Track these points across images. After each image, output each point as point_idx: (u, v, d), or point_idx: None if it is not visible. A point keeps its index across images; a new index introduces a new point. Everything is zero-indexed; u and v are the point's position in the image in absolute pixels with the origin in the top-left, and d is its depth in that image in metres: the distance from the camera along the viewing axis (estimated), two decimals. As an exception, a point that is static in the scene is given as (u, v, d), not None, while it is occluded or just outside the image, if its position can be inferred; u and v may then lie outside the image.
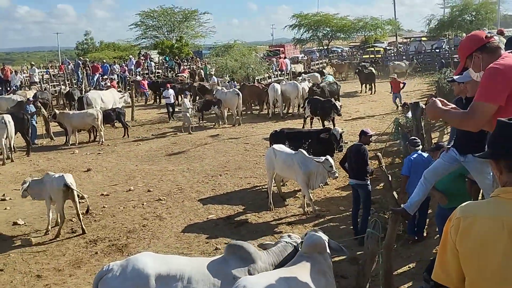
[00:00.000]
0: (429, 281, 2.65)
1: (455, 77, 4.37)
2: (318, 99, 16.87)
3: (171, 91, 20.59)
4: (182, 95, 21.18)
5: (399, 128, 12.15)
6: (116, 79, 28.58)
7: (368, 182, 8.19)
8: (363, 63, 32.47)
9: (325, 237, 4.80)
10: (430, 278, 2.58)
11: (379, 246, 5.28)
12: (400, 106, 18.79)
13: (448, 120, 3.11)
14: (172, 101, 20.69)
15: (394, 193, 8.17)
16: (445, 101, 3.40)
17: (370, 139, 8.61)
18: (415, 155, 7.49)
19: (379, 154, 8.12)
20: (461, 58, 3.50)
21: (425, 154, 7.52)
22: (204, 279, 4.46)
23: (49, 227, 9.20)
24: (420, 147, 7.75)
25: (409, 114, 11.30)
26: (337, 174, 9.20)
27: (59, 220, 9.16)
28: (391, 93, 21.30)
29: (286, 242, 5.04)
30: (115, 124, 18.65)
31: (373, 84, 25.93)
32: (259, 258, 4.76)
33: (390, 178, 8.01)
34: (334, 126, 14.34)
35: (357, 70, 27.74)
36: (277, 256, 4.89)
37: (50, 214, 9.24)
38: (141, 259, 4.60)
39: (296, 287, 4.04)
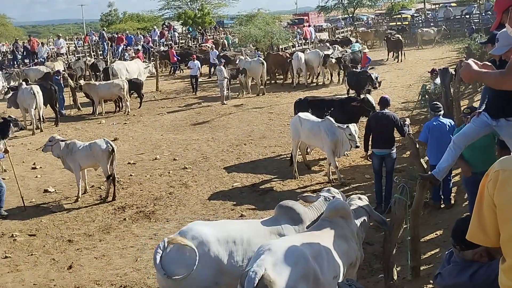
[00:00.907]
0: (455, 245, 2.60)
1: (491, 52, 4.19)
2: (354, 71, 16.33)
3: (196, 62, 20.20)
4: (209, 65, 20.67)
5: (426, 95, 11.91)
6: (140, 50, 28.60)
7: (395, 150, 8.11)
8: (389, 31, 31.72)
9: (364, 204, 4.95)
10: (457, 243, 2.54)
11: (406, 213, 5.23)
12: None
13: (485, 81, 3.00)
14: (197, 73, 20.30)
15: (422, 160, 8.07)
16: (479, 62, 3.28)
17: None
18: (434, 121, 7.38)
19: (407, 120, 7.98)
20: (497, 13, 3.34)
21: (446, 120, 7.39)
22: (261, 241, 4.40)
23: (80, 194, 9.42)
24: (442, 112, 7.54)
25: (438, 81, 11.04)
26: (358, 144, 9.00)
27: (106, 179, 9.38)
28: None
29: (325, 197, 5.17)
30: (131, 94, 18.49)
31: (400, 52, 25.33)
32: (308, 217, 4.86)
33: (417, 146, 7.89)
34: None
35: (385, 38, 27.08)
36: (318, 211, 4.99)
37: (80, 182, 9.44)
38: (196, 228, 4.50)
39: (317, 251, 4.07)
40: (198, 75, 20.70)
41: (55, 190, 10.04)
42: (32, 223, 8.49)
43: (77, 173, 9.36)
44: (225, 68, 18.28)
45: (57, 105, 16.19)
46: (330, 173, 9.61)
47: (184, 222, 8.16)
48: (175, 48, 27.80)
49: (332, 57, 19.39)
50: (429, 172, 5.42)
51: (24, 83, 15.45)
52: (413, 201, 5.28)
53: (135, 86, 17.91)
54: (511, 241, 1.88)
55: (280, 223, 4.75)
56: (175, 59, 25.18)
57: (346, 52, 21.32)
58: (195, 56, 21.05)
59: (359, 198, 5.16)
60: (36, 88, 14.86)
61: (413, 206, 5.25)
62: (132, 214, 8.67)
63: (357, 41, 26.91)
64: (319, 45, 25.74)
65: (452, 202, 7.53)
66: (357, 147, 9.09)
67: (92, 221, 8.51)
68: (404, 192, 5.13)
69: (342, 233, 4.44)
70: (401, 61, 25.05)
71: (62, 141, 9.46)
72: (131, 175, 10.75)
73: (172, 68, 25.98)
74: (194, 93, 19.97)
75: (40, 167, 11.54)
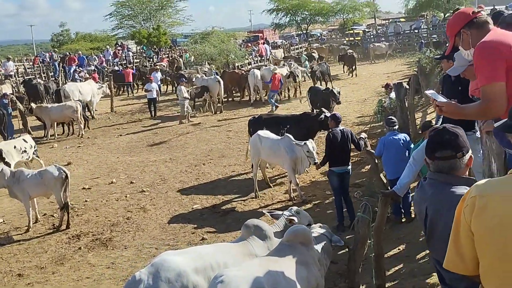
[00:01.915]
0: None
1: (448, 71, 4.24)
2: (317, 88, 16.10)
3: (154, 85, 19.10)
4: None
5: (382, 110, 12.09)
6: (94, 70, 27.97)
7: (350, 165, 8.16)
8: (342, 46, 32.36)
9: (325, 230, 5.02)
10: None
11: (369, 230, 5.19)
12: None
13: (469, 116, 3.00)
14: (155, 95, 19.11)
15: (381, 175, 8.12)
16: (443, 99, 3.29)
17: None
18: (388, 136, 7.59)
19: (364, 135, 8.03)
20: (450, 37, 3.39)
21: (401, 135, 7.59)
22: (236, 262, 4.38)
23: (31, 224, 8.95)
24: (396, 126, 7.77)
25: (393, 95, 11.22)
26: (317, 160, 8.87)
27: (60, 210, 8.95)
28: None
29: (286, 216, 5.28)
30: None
31: (354, 67, 25.86)
32: (272, 233, 4.94)
33: (376, 161, 7.96)
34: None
35: (340, 55, 27.60)
36: (280, 230, 5.06)
37: (31, 211, 8.97)
38: (169, 259, 4.32)
39: (275, 279, 3.93)
40: (157, 98, 19.82)
41: (3, 221, 9.50)
42: (-22, 258, 7.96)
43: (26, 202, 8.86)
44: (185, 88, 17.92)
45: (6, 130, 15.49)
46: (291, 191, 9.53)
47: (143, 249, 7.88)
48: (130, 67, 27.28)
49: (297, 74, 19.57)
50: (390, 188, 5.43)
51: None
52: (376, 218, 5.25)
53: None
54: (490, 270, 1.80)
55: (250, 243, 4.76)
56: (131, 79, 24.63)
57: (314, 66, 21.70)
58: (152, 78, 19.98)
59: (320, 227, 5.20)
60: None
61: (376, 223, 5.21)
62: (87, 243, 8.27)
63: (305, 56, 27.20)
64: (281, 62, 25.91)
65: (413, 215, 7.57)
66: (315, 163, 8.96)
67: (45, 252, 8.06)
68: (366, 210, 5.09)
69: (302, 259, 4.33)
70: (355, 75, 25.56)
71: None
72: (86, 200, 10.33)
73: (128, 88, 25.26)
74: (153, 117, 18.84)
75: (-13, 197, 10.94)
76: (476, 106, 3.04)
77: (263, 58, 29.56)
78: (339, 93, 14.77)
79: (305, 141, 8.93)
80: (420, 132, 7.06)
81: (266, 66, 22.96)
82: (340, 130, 8.06)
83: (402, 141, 7.47)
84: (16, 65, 29.04)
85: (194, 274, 4.25)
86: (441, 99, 3.15)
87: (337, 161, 7.99)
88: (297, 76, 19.87)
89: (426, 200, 2.68)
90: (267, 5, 56.77)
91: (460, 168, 2.63)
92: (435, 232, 2.66)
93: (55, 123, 16.74)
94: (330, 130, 8.14)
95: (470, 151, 2.65)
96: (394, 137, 7.53)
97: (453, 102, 3.17)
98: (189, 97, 17.79)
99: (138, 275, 4.22)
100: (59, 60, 29.99)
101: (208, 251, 4.62)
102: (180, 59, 30.80)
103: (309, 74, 21.56)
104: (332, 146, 7.97)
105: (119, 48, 37.69)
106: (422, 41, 30.13)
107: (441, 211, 2.57)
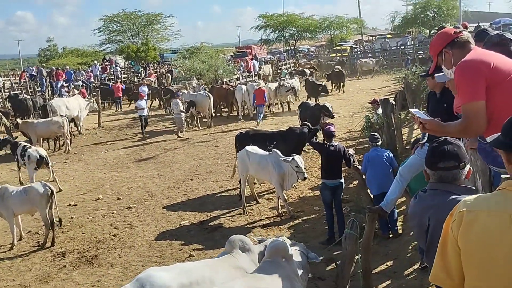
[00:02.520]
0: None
1: (436, 76, 4.30)
2: (307, 104, 15.83)
3: (143, 102, 18.60)
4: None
5: (369, 125, 12.17)
6: (82, 85, 27.86)
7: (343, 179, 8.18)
8: (329, 62, 32.63)
9: (300, 247, 5.01)
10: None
11: (357, 246, 5.18)
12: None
13: (450, 134, 3.05)
14: (146, 113, 18.50)
15: (368, 191, 8.14)
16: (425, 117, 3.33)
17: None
18: (372, 152, 7.76)
19: (351, 151, 8.07)
20: (433, 56, 3.45)
21: (383, 150, 7.75)
22: (223, 277, 4.41)
23: (15, 242, 8.79)
24: (379, 142, 7.96)
25: (380, 111, 11.31)
26: (306, 175, 8.96)
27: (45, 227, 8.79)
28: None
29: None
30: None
31: (342, 83, 25.96)
32: (254, 247, 5.01)
33: (364, 176, 7.98)
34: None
35: (328, 73, 27.75)
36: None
37: (15, 228, 8.83)
38: (155, 275, 4.31)
39: None
40: (148, 115, 19.39)
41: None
42: (-40, 277, 7.79)
43: (10, 220, 8.70)
44: (181, 102, 17.82)
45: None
46: (279, 207, 9.51)
47: (129, 266, 7.77)
48: (119, 82, 27.23)
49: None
50: (377, 205, 5.44)
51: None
52: (363, 235, 5.25)
53: None
54: (476, 285, 1.80)
55: (234, 256, 4.79)
56: (119, 94, 24.64)
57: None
58: (143, 95, 19.61)
59: (294, 244, 5.26)
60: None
61: (363, 239, 5.21)
62: (73, 260, 8.15)
63: (291, 72, 27.53)
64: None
65: (400, 231, 7.59)
66: (305, 178, 9.00)
67: (29, 270, 7.91)
68: (354, 226, 5.09)
69: (285, 274, 4.34)
70: (343, 91, 25.74)
71: None
72: (72, 217, 10.19)
73: (116, 104, 25.20)
74: (142, 135, 18.21)
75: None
76: (457, 124, 3.09)
77: (251, 74, 29.71)
78: (331, 107, 14.61)
79: (292, 157, 8.94)
80: (411, 148, 7.10)
81: (255, 81, 23.06)
82: (331, 144, 8.14)
83: (385, 157, 7.60)
84: (2, 80, 28.84)
85: None
86: (424, 116, 3.20)
87: (330, 174, 8.07)
88: (298, 90, 20.49)
89: (429, 210, 2.71)
90: (255, 22, 57.31)
91: (461, 179, 2.71)
92: (436, 242, 2.67)
93: (41, 138, 16.58)
94: (325, 143, 8.22)
95: (469, 164, 2.72)
96: (378, 153, 7.70)
97: (435, 119, 3.21)
98: (184, 111, 17.70)
99: None
100: (46, 75, 29.83)
101: (194, 266, 4.67)
102: (169, 74, 30.84)
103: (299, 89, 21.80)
104: (327, 159, 8.08)
105: (107, 63, 37.62)
106: (409, 57, 30.50)
107: (444, 221, 2.60)
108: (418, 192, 2.91)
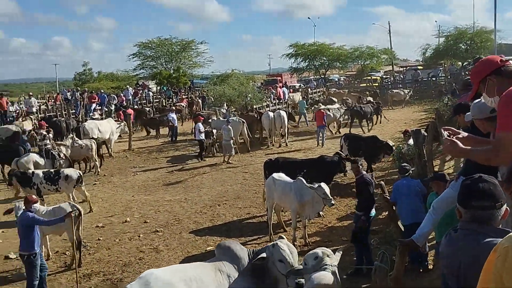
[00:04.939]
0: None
1: (466, 116, 4.20)
2: (358, 136, 14.78)
3: (174, 115, 19.94)
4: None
5: (400, 156, 11.97)
6: (113, 108, 28.37)
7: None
8: (362, 94, 32.37)
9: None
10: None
11: (387, 280, 5.02)
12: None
13: (473, 158, 2.95)
14: (203, 137, 18.00)
15: (399, 222, 7.95)
16: (463, 133, 3.25)
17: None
18: (402, 181, 7.70)
19: (382, 182, 7.93)
20: (474, 83, 3.34)
21: (414, 181, 7.67)
22: (210, 279, 5.03)
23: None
24: (409, 173, 7.88)
25: (411, 141, 11.12)
26: (333, 202, 8.87)
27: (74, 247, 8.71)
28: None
29: None
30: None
31: (380, 115, 24.55)
32: (244, 254, 5.38)
33: (394, 208, 7.82)
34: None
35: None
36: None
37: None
38: (156, 272, 4.93)
39: None
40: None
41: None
42: (-12, 294, 7.90)
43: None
44: (231, 128, 17.53)
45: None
46: (306, 236, 9.36)
47: (153, 290, 7.72)
48: (147, 106, 27.67)
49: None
50: (408, 237, 5.28)
51: None
52: (394, 268, 5.09)
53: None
54: None
55: (223, 263, 5.26)
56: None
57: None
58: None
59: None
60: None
61: (393, 273, 5.05)
62: (98, 283, 8.17)
63: (303, 98, 27.53)
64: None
65: (430, 266, 7.34)
66: (332, 205, 8.93)
67: (55, 290, 7.97)
68: (384, 259, 4.94)
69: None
70: (381, 122, 25.08)
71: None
72: (99, 239, 10.27)
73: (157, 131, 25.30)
74: (199, 160, 17.95)
75: (2, 231, 10.95)
76: (484, 151, 2.99)
77: (281, 101, 29.80)
78: (393, 146, 13.48)
79: (319, 184, 8.84)
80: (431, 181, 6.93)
81: (283, 109, 23.09)
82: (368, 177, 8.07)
83: (415, 187, 7.45)
84: (38, 102, 29.69)
85: (179, 283, 4.83)
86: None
87: (370, 205, 7.95)
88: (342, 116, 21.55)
89: (459, 252, 2.55)
90: (286, 50, 57.76)
91: (497, 220, 2.51)
92: (468, 285, 2.52)
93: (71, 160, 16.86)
94: (363, 175, 8.03)
95: (506, 203, 2.54)
96: (407, 182, 7.62)
97: (466, 134, 3.14)
98: (233, 137, 17.52)
99: (129, 286, 4.76)
100: (81, 99, 30.55)
101: (187, 267, 5.32)
102: (200, 100, 31.18)
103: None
104: (370, 190, 7.93)
105: (139, 87, 38.36)
106: (442, 89, 29.95)
107: (477, 263, 2.45)
108: (449, 231, 2.76)
